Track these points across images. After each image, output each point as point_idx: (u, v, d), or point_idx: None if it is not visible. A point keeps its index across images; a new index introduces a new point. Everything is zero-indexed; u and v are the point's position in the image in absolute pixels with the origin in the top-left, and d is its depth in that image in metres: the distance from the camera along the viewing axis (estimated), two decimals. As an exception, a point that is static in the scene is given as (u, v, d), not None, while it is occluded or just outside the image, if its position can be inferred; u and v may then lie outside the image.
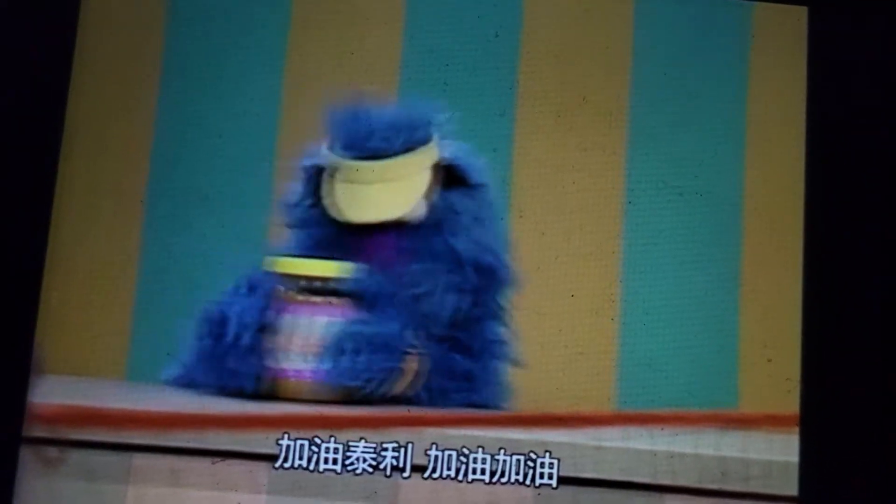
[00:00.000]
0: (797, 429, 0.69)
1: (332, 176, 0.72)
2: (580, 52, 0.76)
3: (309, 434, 0.67)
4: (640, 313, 0.72)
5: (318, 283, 0.70)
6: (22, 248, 0.71)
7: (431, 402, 0.70)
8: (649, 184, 0.74)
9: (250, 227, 0.74)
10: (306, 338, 0.69)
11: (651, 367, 0.71)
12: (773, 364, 0.71)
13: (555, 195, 0.73)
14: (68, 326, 0.71)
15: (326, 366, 0.68)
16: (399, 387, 0.69)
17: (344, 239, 0.72)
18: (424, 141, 0.72)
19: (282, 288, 0.70)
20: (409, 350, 0.70)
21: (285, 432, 0.67)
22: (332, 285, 0.70)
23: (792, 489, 0.68)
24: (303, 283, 0.70)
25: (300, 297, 0.70)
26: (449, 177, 0.72)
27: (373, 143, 0.71)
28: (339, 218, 0.72)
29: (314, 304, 0.70)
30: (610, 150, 0.74)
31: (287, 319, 0.70)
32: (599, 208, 0.73)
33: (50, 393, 0.68)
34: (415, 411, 0.69)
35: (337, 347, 0.68)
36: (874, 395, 0.71)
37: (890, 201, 0.73)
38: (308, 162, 0.73)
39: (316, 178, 0.73)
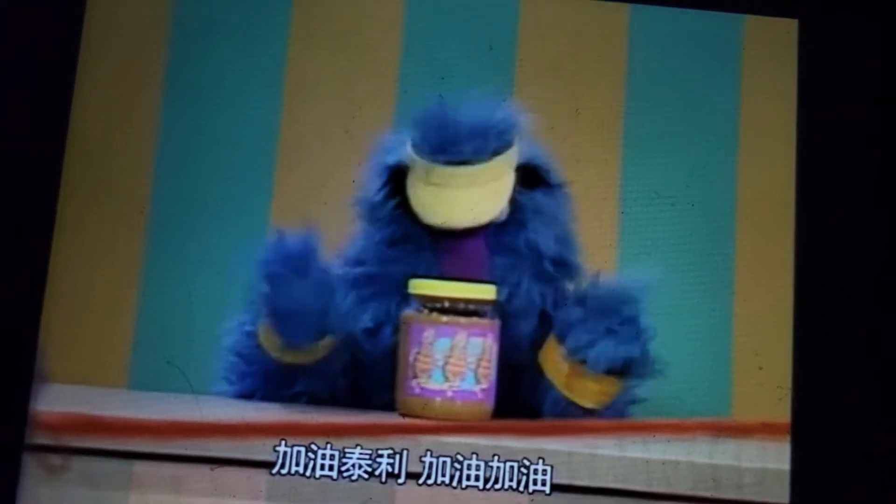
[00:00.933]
0: (789, 436, 0.68)
1: (418, 177, 0.71)
2: (574, 64, 0.75)
3: (305, 441, 0.67)
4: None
5: (461, 305, 0.69)
6: (25, 257, 0.70)
7: None
8: (642, 194, 0.73)
9: (251, 235, 0.73)
10: (455, 359, 0.68)
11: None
12: (764, 372, 0.71)
13: (549, 206, 0.73)
14: (71, 335, 0.70)
15: (472, 385, 0.68)
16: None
17: (425, 238, 0.71)
18: (510, 144, 0.71)
19: (423, 309, 0.69)
20: None
21: (282, 439, 0.67)
22: (474, 307, 0.69)
23: (784, 497, 0.67)
24: (447, 304, 0.69)
25: (444, 319, 0.69)
26: (530, 177, 0.71)
27: (464, 147, 0.70)
28: (428, 221, 0.70)
29: (460, 325, 0.69)
30: (603, 161, 0.74)
31: (430, 340, 0.68)
32: (593, 218, 0.73)
33: (53, 401, 0.68)
34: (410, 419, 0.68)
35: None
36: (865, 403, 0.70)
37: (881, 210, 0.73)
38: (391, 160, 0.72)
39: (399, 177, 0.71)
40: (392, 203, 0.71)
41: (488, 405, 0.69)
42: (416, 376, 0.68)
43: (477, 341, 0.68)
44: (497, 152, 0.70)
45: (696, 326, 0.72)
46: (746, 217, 0.73)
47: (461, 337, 0.68)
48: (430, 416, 0.68)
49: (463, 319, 0.69)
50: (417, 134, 0.71)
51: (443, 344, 0.68)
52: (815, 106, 0.73)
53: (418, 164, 0.71)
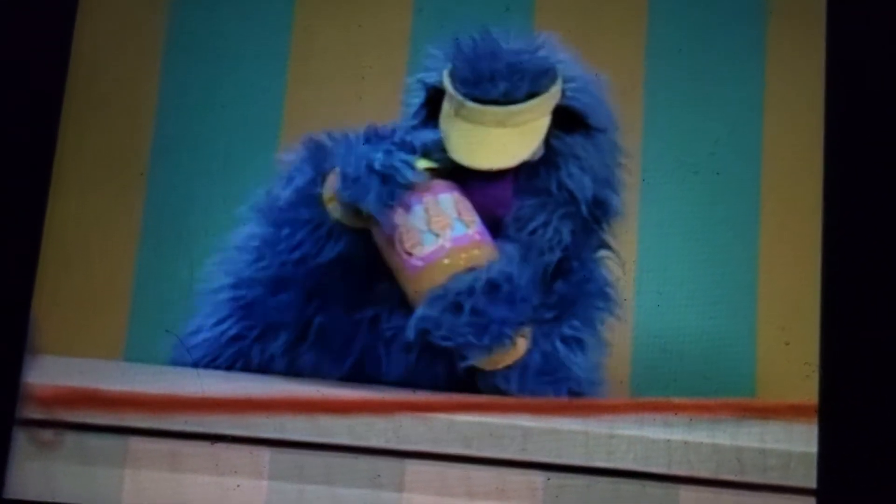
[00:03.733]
0: (816, 418, 0.63)
1: (450, 107, 0.65)
2: (594, 28, 0.71)
3: (311, 416, 0.62)
4: (654, 294, 0.67)
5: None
6: (19, 224, 0.66)
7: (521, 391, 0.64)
8: (664, 162, 0.69)
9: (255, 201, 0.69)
10: (435, 216, 0.63)
11: (666, 351, 0.66)
12: (791, 347, 0.66)
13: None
14: (65, 304, 0.66)
15: (464, 231, 0.63)
16: (503, 361, 0.63)
17: (456, 173, 0.65)
18: (549, 86, 0.65)
19: None
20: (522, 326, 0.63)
21: (287, 414, 0.61)
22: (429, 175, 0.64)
23: (811, 481, 0.62)
24: None
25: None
26: (570, 121, 0.65)
27: (499, 86, 0.64)
28: (453, 157, 0.64)
29: (422, 189, 0.64)
30: (624, 128, 0.69)
31: (403, 215, 0.63)
32: (613, 186, 0.68)
33: (45, 373, 0.63)
34: (420, 395, 0.64)
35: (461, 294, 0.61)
36: (897, 383, 0.65)
37: (912, 181, 0.67)
38: (430, 79, 0.66)
39: (435, 100, 0.66)
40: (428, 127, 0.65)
41: (489, 244, 0.63)
42: (409, 253, 0.63)
43: (446, 196, 0.64)
44: (532, 95, 0.64)
45: (719, 300, 0.67)
46: (772, 187, 0.69)
47: (430, 198, 0.64)
48: (444, 275, 0.62)
49: (423, 184, 0.64)
50: (458, 61, 0.65)
51: (417, 211, 0.63)
52: (843, 70, 0.68)
53: (451, 94, 0.65)
